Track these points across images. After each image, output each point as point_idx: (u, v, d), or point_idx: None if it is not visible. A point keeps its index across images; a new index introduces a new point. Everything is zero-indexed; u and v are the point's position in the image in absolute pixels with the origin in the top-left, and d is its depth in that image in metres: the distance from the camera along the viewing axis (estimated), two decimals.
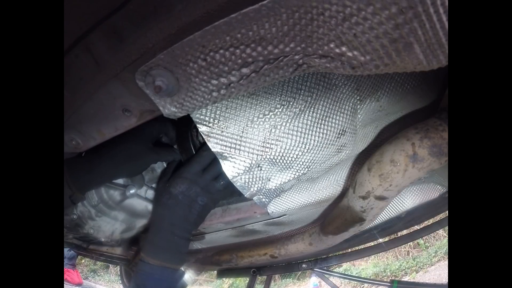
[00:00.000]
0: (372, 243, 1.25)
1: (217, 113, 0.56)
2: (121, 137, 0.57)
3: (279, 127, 0.58)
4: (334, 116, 0.61)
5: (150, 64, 0.41)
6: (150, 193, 0.91)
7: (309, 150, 0.61)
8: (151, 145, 0.76)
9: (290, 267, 1.41)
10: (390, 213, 0.90)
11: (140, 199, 0.89)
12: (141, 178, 0.86)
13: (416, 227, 1.24)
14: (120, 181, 0.83)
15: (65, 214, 0.81)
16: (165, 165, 0.86)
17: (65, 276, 5.18)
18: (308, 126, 0.59)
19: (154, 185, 0.91)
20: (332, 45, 0.36)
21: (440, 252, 3.91)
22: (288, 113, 0.58)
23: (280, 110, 0.58)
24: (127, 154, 0.71)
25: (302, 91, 0.57)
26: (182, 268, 0.73)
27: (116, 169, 0.71)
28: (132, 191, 0.81)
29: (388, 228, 1.00)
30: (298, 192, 0.79)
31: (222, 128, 0.57)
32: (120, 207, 0.86)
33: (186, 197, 0.68)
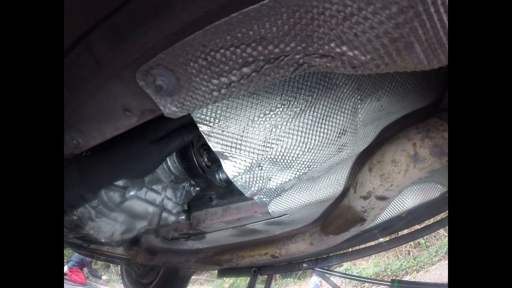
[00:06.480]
0: (373, 243, 1.25)
1: (218, 112, 0.56)
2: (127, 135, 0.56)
3: (279, 126, 0.58)
4: (335, 115, 0.61)
5: (150, 63, 0.41)
6: (150, 195, 0.90)
7: (309, 150, 0.61)
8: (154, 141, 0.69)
9: (291, 266, 1.41)
10: (391, 213, 0.90)
11: (140, 200, 0.88)
12: (141, 180, 0.85)
13: (417, 227, 1.24)
14: (120, 182, 0.83)
15: (65, 215, 0.81)
16: (165, 167, 0.85)
17: (73, 277, 5.29)
18: (308, 125, 0.59)
19: (154, 187, 0.91)
20: (332, 45, 0.36)
21: (441, 252, 3.91)
22: (289, 112, 0.58)
23: (280, 109, 0.58)
24: (126, 153, 0.68)
25: (303, 90, 0.57)
26: None
27: (118, 169, 0.70)
28: (131, 193, 0.81)
29: (389, 227, 1.00)
30: (299, 192, 0.79)
31: (223, 128, 0.57)
32: (120, 208, 0.85)
33: None
